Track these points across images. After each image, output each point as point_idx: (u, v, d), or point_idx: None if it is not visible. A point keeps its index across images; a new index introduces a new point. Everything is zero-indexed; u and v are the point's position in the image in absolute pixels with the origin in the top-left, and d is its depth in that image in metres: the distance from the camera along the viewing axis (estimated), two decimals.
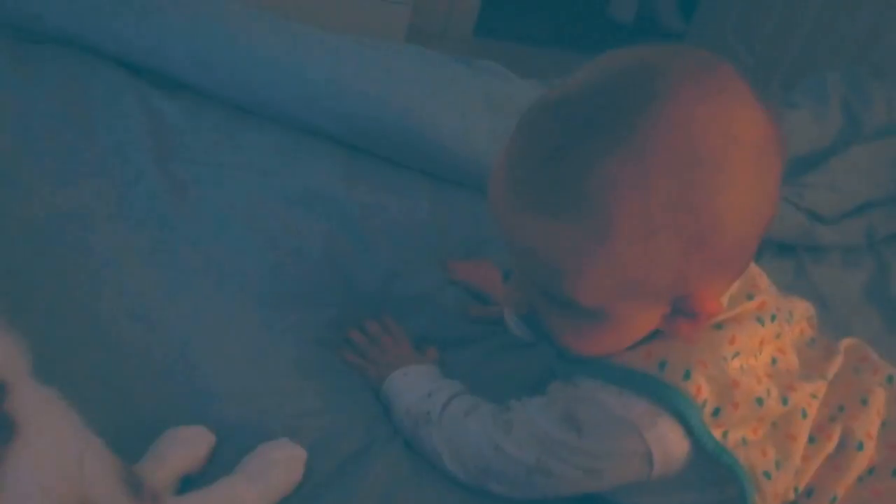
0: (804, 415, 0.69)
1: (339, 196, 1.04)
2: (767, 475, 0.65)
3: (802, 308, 0.78)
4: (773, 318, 0.70)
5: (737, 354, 0.67)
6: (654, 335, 0.68)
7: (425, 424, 0.78)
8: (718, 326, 0.68)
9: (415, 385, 0.82)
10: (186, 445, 0.72)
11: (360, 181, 1.07)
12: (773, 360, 0.70)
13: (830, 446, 0.69)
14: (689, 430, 0.65)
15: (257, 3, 1.18)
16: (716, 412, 0.65)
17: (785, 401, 0.68)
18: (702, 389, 0.65)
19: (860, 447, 0.70)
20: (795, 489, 0.68)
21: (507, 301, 0.73)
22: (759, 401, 0.66)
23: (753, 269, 0.74)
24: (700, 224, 0.59)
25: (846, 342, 0.80)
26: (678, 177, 0.58)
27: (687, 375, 0.65)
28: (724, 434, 0.65)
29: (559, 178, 0.60)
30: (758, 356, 0.69)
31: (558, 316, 0.68)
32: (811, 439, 0.69)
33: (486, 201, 0.67)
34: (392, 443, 0.79)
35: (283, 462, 0.71)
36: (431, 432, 0.78)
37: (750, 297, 0.70)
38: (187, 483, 0.71)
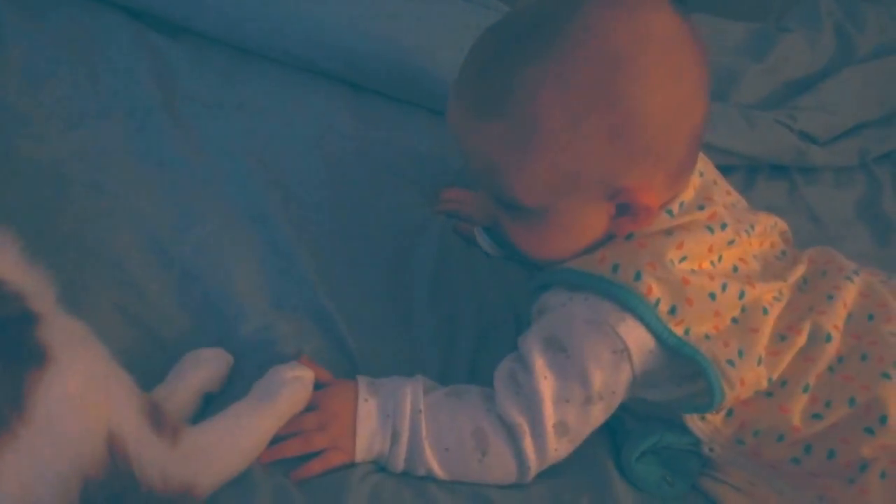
0: (765, 311, 0.74)
1: (343, 132, 1.06)
2: (731, 363, 0.70)
3: (768, 222, 0.82)
4: (723, 226, 0.75)
5: (684, 258, 0.72)
6: (610, 239, 0.75)
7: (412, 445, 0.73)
8: (668, 233, 0.74)
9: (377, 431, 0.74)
10: (206, 366, 0.76)
11: (363, 117, 1.09)
12: (735, 268, 0.75)
13: (801, 341, 0.74)
14: (648, 327, 0.70)
15: None
16: (672, 310, 0.70)
17: (742, 294, 0.73)
18: (652, 289, 0.70)
19: (828, 338, 0.74)
20: (770, 379, 0.72)
21: (475, 215, 0.80)
22: (712, 295, 0.72)
23: (710, 185, 0.79)
24: (618, 113, 0.67)
25: (812, 251, 0.84)
26: (594, 72, 0.67)
27: (637, 276, 0.71)
28: (687, 331, 0.70)
29: (491, 83, 0.69)
30: (715, 264, 0.74)
31: (513, 222, 0.75)
32: (782, 337, 0.74)
33: None
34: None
35: (290, 384, 0.74)
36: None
37: (701, 208, 0.76)
38: (209, 400, 0.76)
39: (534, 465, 0.73)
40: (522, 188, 0.71)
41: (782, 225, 0.85)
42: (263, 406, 0.72)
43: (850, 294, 0.78)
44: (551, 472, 0.75)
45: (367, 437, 0.73)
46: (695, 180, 0.77)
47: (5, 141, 0.94)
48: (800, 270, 0.80)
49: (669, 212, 0.75)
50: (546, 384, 0.72)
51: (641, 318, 0.70)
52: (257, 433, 0.71)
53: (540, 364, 0.72)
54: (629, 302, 0.70)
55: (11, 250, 0.66)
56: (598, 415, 0.74)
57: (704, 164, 0.81)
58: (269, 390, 0.73)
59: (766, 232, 0.82)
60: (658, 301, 0.70)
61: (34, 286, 0.65)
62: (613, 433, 0.80)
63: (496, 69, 0.69)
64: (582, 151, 0.69)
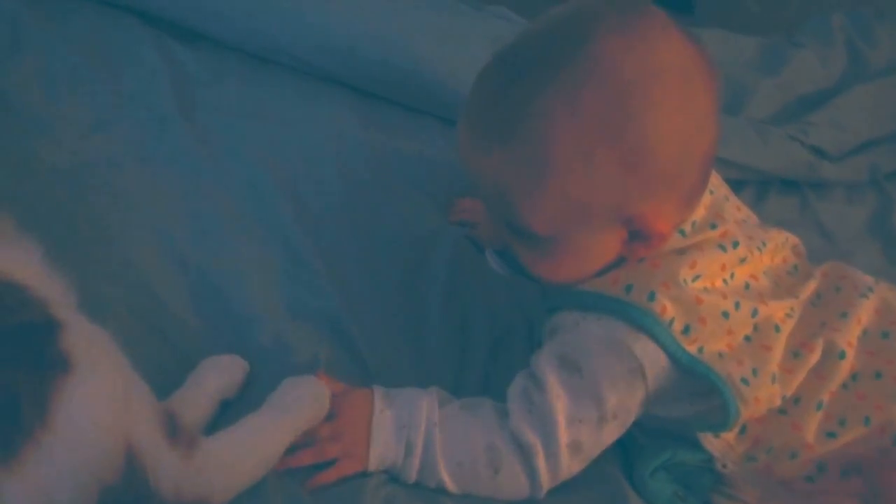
0: (777, 329, 0.74)
1: (358, 141, 1.06)
2: (745, 381, 0.70)
3: (780, 238, 0.82)
4: (735, 244, 0.75)
5: (697, 277, 0.73)
6: (622, 262, 0.74)
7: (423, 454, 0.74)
8: (681, 252, 0.74)
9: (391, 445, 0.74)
10: (223, 372, 0.77)
11: (376, 126, 1.09)
12: (747, 285, 0.76)
13: (814, 358, 0.74)
14: (662, 347, 0.70)
15: None
16: (686, 329, 0.70)
17: (755, 312, 0.73)
18: (667, 309, 0.70)
19: (842, 356, 0.75)
20: (783, 397, 0.72)
21: (485, 238, 0.79)
22: (725, 314, 0.72)
23: (722, 202, 0.80)
24: (629, 142, 0.67)
25: (825, 266, 0.85)
26: (605, 104, 0.67)
27: (651, 297, 0.71)
28: (700, 349, 0.71)
29: (503, 114, 0.69)
30: (728, 281, 0.74)
31: (525, 247, 0.75)
32: (795, 354, 0.74)
33: None
34: None
35: (307, 400, 0.74)
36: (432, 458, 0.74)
37: (713, 227, 0.76)
38: (226, 406, 0.76)
39: (546, 483, 0.73)
40: (534, 217, 0.71)
41: (794, 239, 0.85)
42: (279, 420, 0.72)
43: (864, 311, 0.78)
44: (564, 488, 0.75)
45: (382, 447, 0.74)
46: (706, 198, 0.77)
47: (25, 146, 0.95)
48: (812, 286, 0.80)
49: (682, 231, 0.75)
50: (560, 404, 0.72)
51: (656, 338, 0.70)
52: (272, 447, 0.71)
53: (553, 383, 0.72)
54: (644, 322, 0.70)
55: (34, 256, 0.66)
56: (612, 433, 0.74)
57: (715, 181, 0.81)
58: (286, 405, 0.73)
59: (777, 248, 0.82)
60: (672, 321, 0.70)
61: (56, 292, 0.65)
62: (626, 449, 0.80)
63: (507, 98, 0.69)
64: (594, 180, 0.68)
